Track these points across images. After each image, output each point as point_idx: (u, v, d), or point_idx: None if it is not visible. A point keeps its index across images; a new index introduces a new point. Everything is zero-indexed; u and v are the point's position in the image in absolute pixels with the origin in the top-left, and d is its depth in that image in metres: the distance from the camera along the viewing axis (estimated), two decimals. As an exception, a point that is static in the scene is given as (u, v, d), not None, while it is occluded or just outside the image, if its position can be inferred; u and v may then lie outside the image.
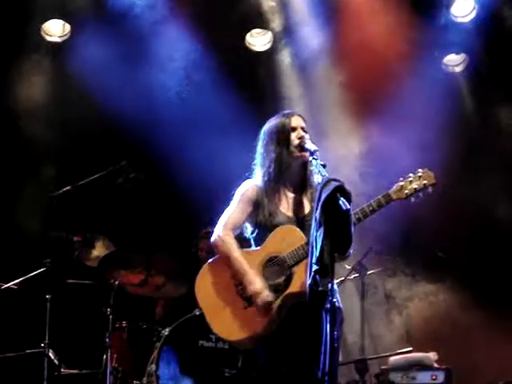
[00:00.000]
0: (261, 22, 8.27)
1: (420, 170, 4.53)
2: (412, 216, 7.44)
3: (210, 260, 4.77)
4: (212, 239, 4.73)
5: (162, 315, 7.13)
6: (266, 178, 4.71)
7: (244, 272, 4.54)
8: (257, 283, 4.48)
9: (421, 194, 4.51)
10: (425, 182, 4.49)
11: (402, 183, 4.51)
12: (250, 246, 4.76)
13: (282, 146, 4.68)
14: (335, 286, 4.59)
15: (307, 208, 4.65)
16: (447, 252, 7.80)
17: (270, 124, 4.80)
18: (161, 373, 6.20)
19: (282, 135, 4.70)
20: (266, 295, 4.46)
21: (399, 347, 7.25)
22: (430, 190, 4.50)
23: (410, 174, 4.52)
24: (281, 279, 4.50)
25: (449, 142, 7.75)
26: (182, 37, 7.96)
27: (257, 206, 4.68)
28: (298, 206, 4.69)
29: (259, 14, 8.16)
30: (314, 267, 4.03)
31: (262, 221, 4.65)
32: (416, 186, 4.49)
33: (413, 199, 4.51)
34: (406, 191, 4.49)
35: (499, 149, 8.10)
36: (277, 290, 4.48)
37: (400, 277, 7.81)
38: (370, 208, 4.48)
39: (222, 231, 4.69)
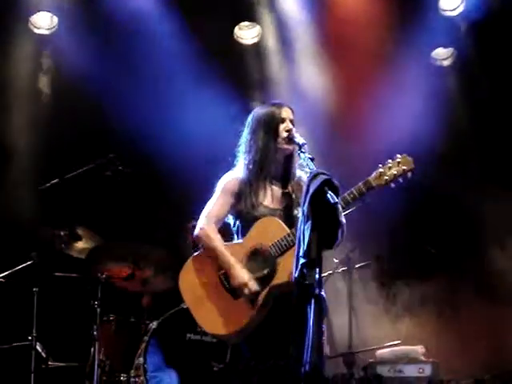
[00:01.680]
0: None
1: (398, 155, 4.50)
2: (399, 210, 7.47)
3: (194, 254, 4.77)
4: (195, 233, 4.75)
5: (148, 307, 7.09)
6: (250, 166, 4.70)
7: (230, 265, 4.56)
8: (243, 275, 4.52)
9: (400, 180, 4.48)
10: (404, 167, 4.46)
11: (381, 170, 4.48)
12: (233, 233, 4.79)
13: (269, 136, 4.68)
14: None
15: (290, 199, 4.67)
16: (438, 247, 7.80)
17: (260, 112, 4.80)
18: (148, 365, 6.21)
19: (271, 124, 4.70)
20: (252, 285, 4.49)
21: (387, 340, 7.27)
22: (409, 175, 4.49)
23: (389, 160, 4.49)
24: (265, 271, 4.52)
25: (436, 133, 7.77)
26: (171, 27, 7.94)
27: (238, 197, 4.69)
28: (281, 197, 4.70)
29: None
30: (302, 260, 4.04)
31: (244, 213, 4.67)
32: (395, 172, 4.46)
33: (393, 185, 4.48)
34: (386, 177, 4.46)
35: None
36: (262, 282, 4.51)
37: (388, 270, 7.81)
38: (351, 196, 4.47)
39: (204, 224, 4.70)
